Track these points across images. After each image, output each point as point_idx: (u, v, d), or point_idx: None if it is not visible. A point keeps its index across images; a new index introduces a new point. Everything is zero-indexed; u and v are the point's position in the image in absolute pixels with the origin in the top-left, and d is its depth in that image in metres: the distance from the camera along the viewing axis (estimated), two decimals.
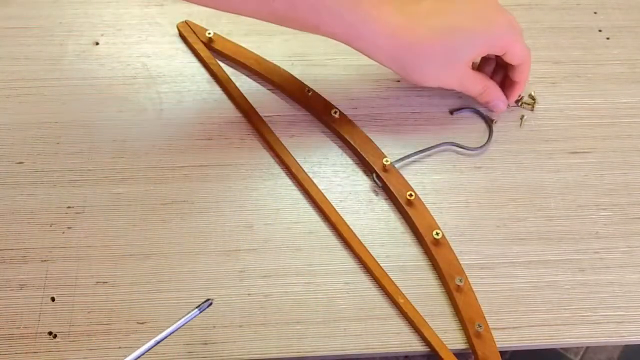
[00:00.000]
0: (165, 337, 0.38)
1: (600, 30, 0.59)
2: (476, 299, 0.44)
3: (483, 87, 0.50)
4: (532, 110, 0.54)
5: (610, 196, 0.50)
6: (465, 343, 0.44)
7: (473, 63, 0.52)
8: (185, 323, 0.39)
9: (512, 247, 0.48)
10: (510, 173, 0.51)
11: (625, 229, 0.49)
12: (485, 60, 0.52)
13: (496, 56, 0.50)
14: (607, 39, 0.58)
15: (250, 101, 0.52)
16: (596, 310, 0.46)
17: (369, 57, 0.47)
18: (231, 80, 0.53)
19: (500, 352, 0.43)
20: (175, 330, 0.38)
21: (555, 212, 0.49)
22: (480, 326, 0.43)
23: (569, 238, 0.48)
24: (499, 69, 0.52)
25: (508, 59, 0.48)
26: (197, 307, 0.40)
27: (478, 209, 0.49)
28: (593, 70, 0.56)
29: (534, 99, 0.54)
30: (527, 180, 0.51)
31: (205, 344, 0.43)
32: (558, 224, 0.49)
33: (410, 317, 0.44)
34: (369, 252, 0.46)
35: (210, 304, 0.40)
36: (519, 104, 0.54)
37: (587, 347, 1.01)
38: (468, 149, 0.51)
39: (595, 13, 0.60)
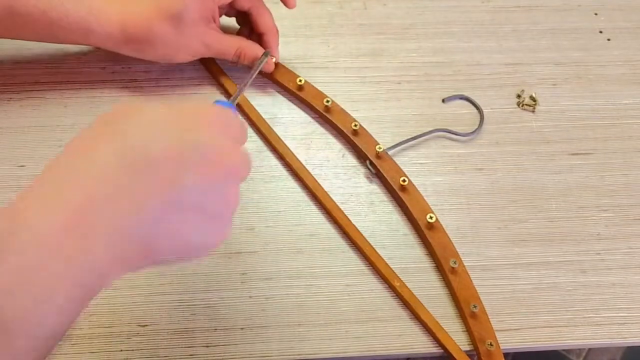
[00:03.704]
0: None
1: (601, 32, 0.59)
2: (471, 281, 0.45)
3: (237, 48, 0.51)
4: (533, 111, 0.54)
5: (611, 197, 0.50)
6: (469, 344, 0.44)
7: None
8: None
9: (513, 248, 0.48)
10: (511, 174, 0.51)
11: (626, 230, 0.49)
12: (241, 25, 0.55)
13: (250, 20, 0.52)
14: (608, 40, 0.58)
15: (253, 103, 0.52)
16: (598, 311, 0.45)
17: (106, 48, 0.50)
18: (232, 82, 0.53)
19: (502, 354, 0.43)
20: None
21: (557, 213, 0.49)
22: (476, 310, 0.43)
23: (570, 239, 0.48)
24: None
25: (238, 6, 0.51)
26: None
27: (479, 210, 0.49)
28: (594, 71, 0.56)
29: (535, 101, 0.54)
30: (528, 181, 0.51)
31: (207, 346, 0.43)
32: (559, 225, 0.49)
33: (423, 319, 0.44)
34: (378, 254, 0.46)
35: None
36: (520, 106, 0.54)
37: (590, 349, 1.01)
38: (459, 134, 0.52)
39: (595, 14, 0.60)
